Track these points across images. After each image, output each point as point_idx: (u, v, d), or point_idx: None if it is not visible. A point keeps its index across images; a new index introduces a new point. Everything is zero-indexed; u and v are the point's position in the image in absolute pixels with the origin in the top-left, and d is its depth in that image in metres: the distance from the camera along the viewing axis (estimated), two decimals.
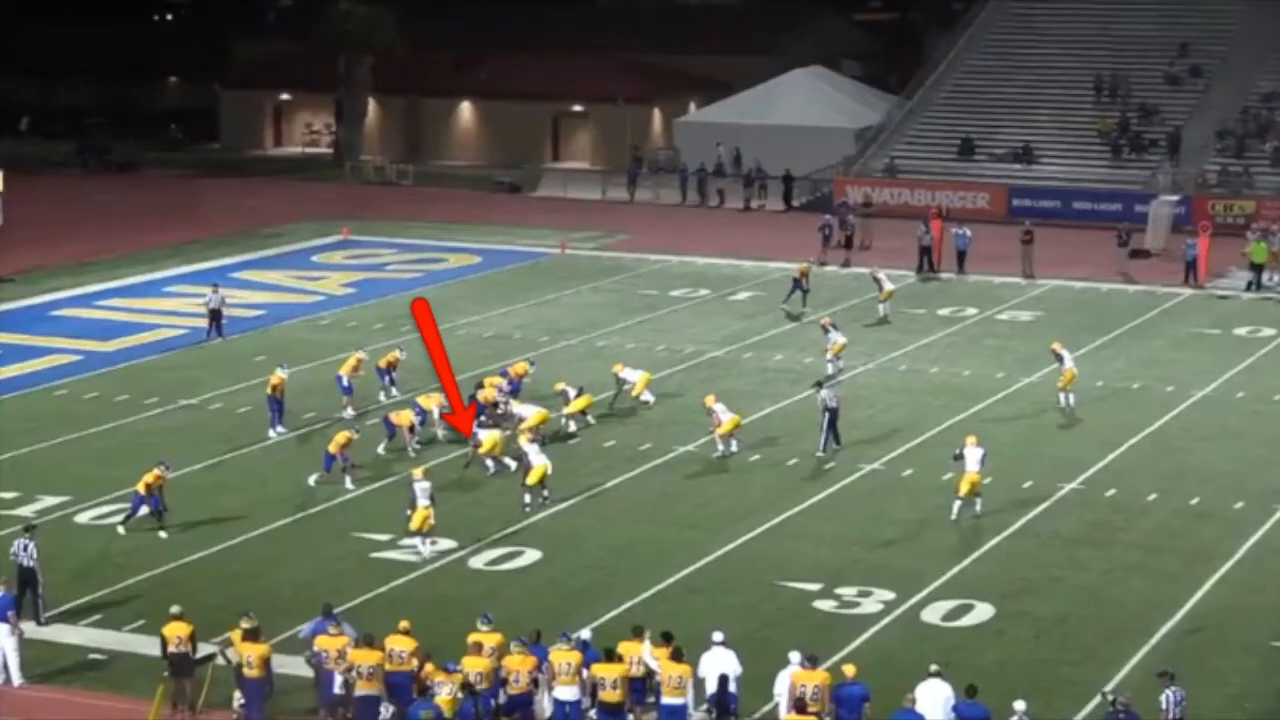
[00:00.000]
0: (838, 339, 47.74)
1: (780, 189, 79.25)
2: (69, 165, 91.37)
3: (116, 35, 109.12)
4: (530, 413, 41.03)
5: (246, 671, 26.86)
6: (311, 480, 37.94)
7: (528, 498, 36.52)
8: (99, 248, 67.32)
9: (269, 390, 42.34)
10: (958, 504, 36.39)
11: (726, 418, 40.72)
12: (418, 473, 35.48)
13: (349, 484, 38.11)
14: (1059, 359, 44.80)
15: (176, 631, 27.47)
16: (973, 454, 36.55)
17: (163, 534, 34.88)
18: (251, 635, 27.17)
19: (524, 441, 37.58)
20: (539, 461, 36.80)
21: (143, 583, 32.85)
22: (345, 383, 43.73)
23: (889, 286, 54.99)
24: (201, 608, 29.50)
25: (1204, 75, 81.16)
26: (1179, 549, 35.01)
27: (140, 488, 35.14)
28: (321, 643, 27.00)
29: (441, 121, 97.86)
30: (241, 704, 27.00)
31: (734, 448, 40.72)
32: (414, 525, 34.43)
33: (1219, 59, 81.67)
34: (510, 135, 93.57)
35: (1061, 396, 44.35)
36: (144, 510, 35.36)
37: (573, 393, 43.02)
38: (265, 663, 26.86)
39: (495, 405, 42.17)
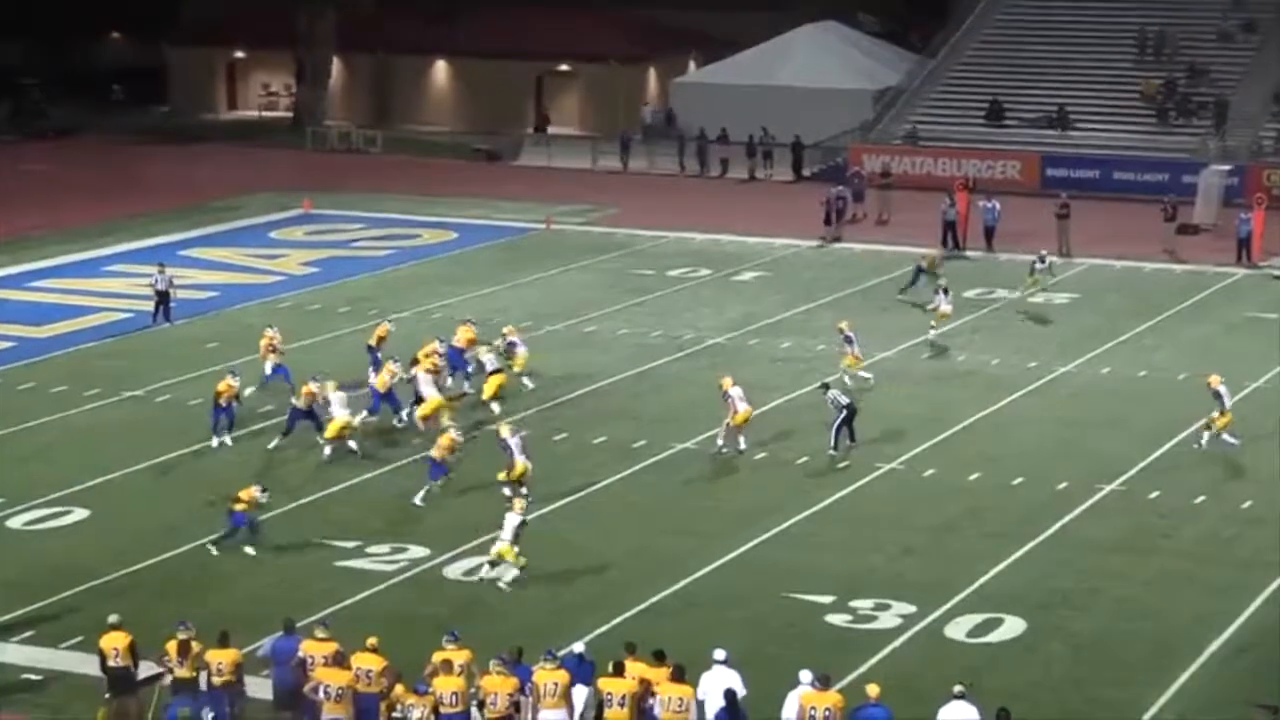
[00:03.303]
0: (851, 351, 46.02)
1: (789, 157, 79.32)
2: (1, 132, 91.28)
3: None
4: (428, 395, 41.90)
5: (216, 680, 27.08)
6: (417, 499, 37.40)
7: (507, 491, 36.35)
8: (32, 223, 67.35)
9: (215, 396, 41.65)
10: (1206, 435, 40.39)
11: (743, 407, 40.73)
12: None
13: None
14: (1218, 398, 41.03)
15: (114, 643, 27.49)
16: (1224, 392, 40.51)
17: (250, 550, 34.54)
18: (221, 640, 27.45)
19: (506, 434, 37.55)
20: (520, 460, 36.89)
21: (83, 595, 32.83)
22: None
23: (946, 308, 51.88)
24: (149, 623, 29.49)
25: (1259, 31, 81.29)
26: (1230, 558, 35.10)
27: (237, 506, 34.63)
28: (309, 647, 27.13)
29: (413, 82, 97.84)
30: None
31: (742, 445, 40.77)
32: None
33: (1277, 13, 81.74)
34: (490, 97, 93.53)
35: (1207, 436, 40.86)
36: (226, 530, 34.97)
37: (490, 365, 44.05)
38: (237, 668, 27.18)
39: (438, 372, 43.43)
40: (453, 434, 37.75)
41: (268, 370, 44.45)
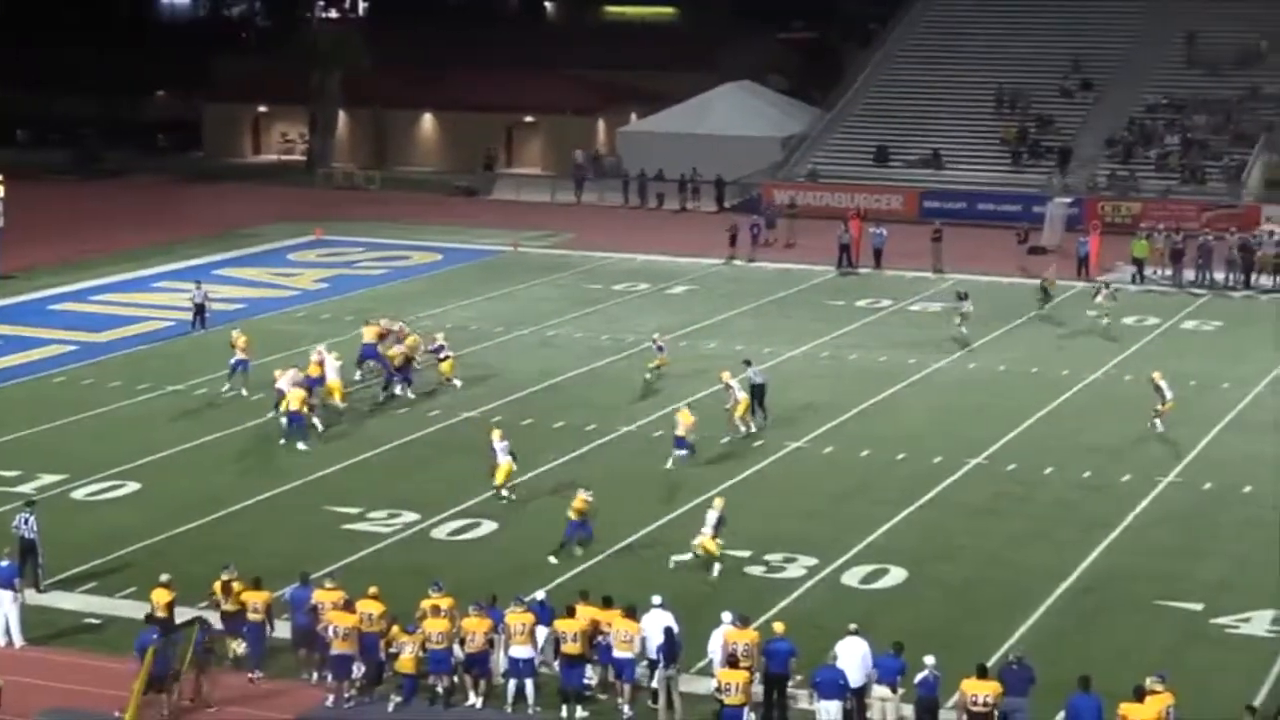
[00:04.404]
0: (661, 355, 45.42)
1: (713, 192, 79.29)
2: (65, 172, 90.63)
3: (109, 53, 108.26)
4: (331, 379, 42.20)
5: (252, 616, 27.31)
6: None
7: (505, 492, 35.92)
8: (92, 248, 66.86)
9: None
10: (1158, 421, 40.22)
11: (742, 396, 40.43)
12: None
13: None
14: (1158, 390, 40.74)
15: (159, 598, 27.52)
16: (1165, 386, 40.28)
17: (552, 559, 32.30)
18: (255, 583, 27.64)
19: (495, 439, 36.44)
20: (504, 461, 35.96)
21: (134, 553, 32.70)
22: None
23: (967, 308, 51.17)
24: (187, 576, 29.40)
25: (1094, 89, 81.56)
26: (1072, 518, 35.22)
27: (571, 514, 32.72)
28: (320, 595, 27.13)
29: (405, 131, 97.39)
30: (244, 649, 27.45)
31: (741, 429, 40.16)
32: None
33: (1108, 74, 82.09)
34: (468, 143, 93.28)
35: (1158, 423, 40.65)
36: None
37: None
38: (268, 608, 27.39)
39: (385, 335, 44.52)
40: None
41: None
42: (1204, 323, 54.34)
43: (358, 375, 44.74)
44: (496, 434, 36.64)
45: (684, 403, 41.42)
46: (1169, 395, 40.67)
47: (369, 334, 45.20)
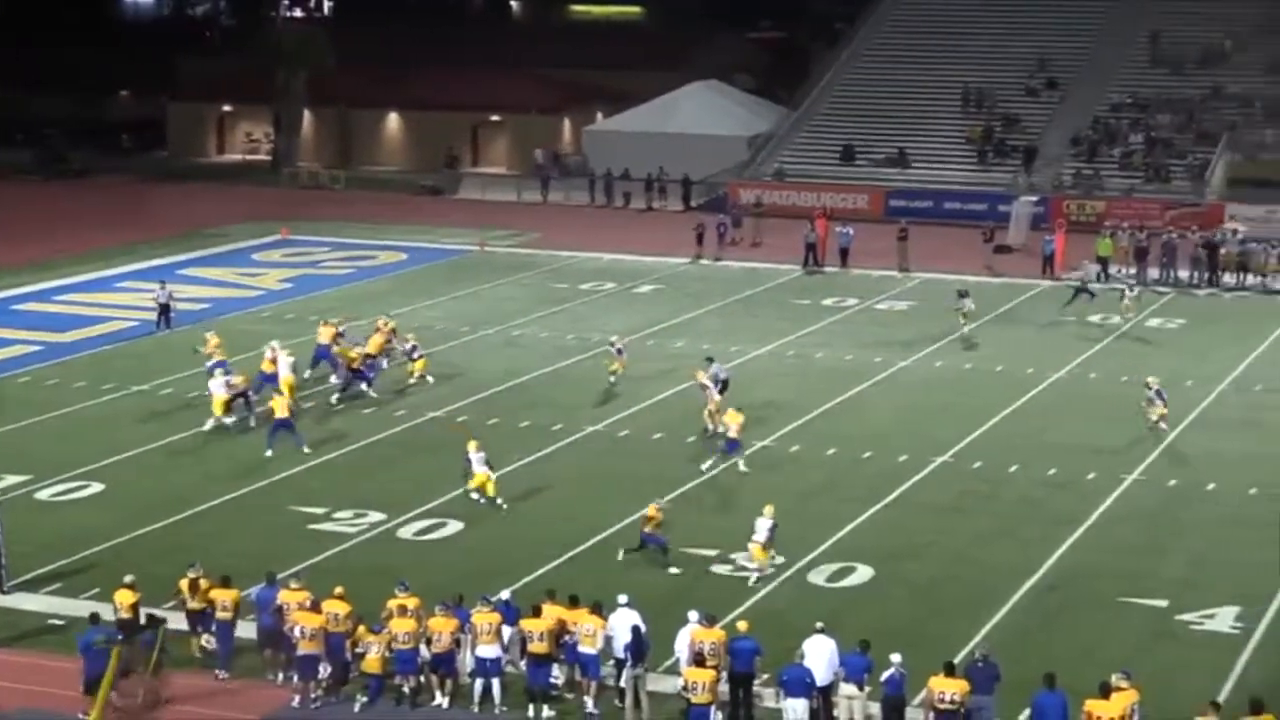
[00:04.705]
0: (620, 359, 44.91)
1: (680, 191, 79.31)
2: (29, 172, 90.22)
3: (72, 53, 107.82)
4: (284, 375, 42.38)
5: (220, 614, 27.35)
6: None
7: (474, 494, 35.62)
8: (57, 248, 66.57)
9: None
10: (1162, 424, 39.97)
11: (717, 396, 40.38)
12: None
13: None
14: (1160, 396, 40.39)
15: (123, 599, 27.44)
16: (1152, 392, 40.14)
17: (674, 570, 31.61)
18: (224, 582, 27.66)
19: (470, 450, 36.08)
20: (480, 470, 35.65)
21: (99, 554, 32.57)
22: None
23: (969, 306, 51.40)
24: (152, 577, 29.30)
25: (1059, 88, 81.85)
26: (1038, 516, 35.30)
27: (647, 527, 32.09)
28: (286, 596, 27.09)
29: (370, 131, 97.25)
30: (212, 645, 27.52)
31: (719, 428, 39.89)
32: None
33: (1073, 73, 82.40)
34: (433, 143, 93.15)
35: (1162, 425, 40.31)
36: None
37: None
38: (236, 605, 27.42)
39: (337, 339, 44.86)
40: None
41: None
42: (1168, 321, 54.53)
43: (306, 375, 44.68)
44: (473, 445, 36.18)
45: (696, 403, 41.33)
46: (1161, 402, 40.23)
47: (324, 334, 45.24)
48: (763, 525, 31.54)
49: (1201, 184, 73.34)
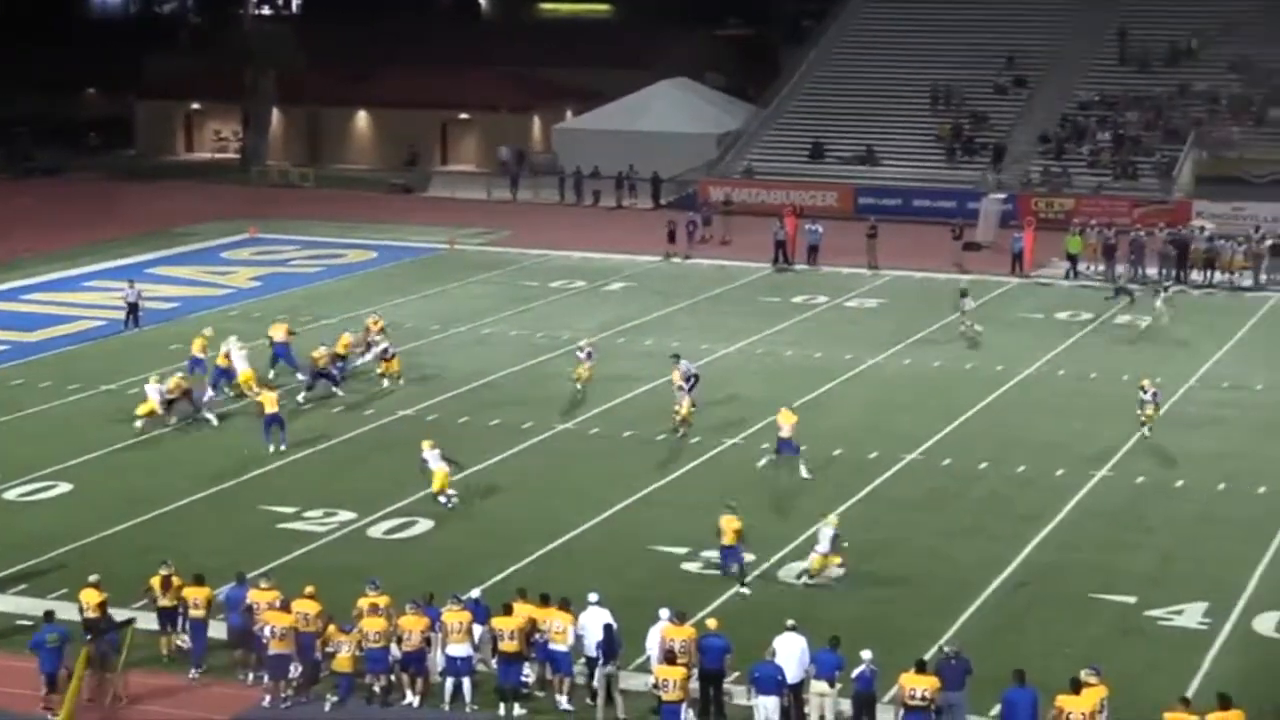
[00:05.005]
0: (587, 364, 43.99)
1: (649, 189, 79.33)
2: None
3: (39, 52, 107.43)
4: (241, 369, 42.79)
5: (194, 612, 27.35)
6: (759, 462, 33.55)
7: (441, 499, 35.56)
8: (23, 246, 66.33)
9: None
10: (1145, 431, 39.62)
11: (687, 401, 40.20)
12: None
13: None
14: (1154, 398, 40.20)
15: (89, 599, 27.33)
16: (1146, 396, 39.75)
17: (745, 590, 30.86)
18: (197, 580, 27.68)
19: (425, 449, 35.94)
20: (437, 467, 35.62)
21: (67, 555, 32.44)
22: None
23: (970, 305, 51.41)
24: (121, 577, 29.25)
25: (1028, 85, 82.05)
26: (1007, 512, 35.40)
27: (728, 539, 31.15)
28: (256, 595, 27.03)
29: (339, 129, 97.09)
30: (187, 644, 27.55)
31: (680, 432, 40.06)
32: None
33: (1041, 71, 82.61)
34: (402, 141, 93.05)
35: (1146, 430, 40.09)
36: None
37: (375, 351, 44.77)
38: (209, 603, 27.41)
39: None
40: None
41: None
42: (1136, 318, 54.67)
43: (271, 375, 44.60)
44: (427, 444, 36.10)
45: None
46: (1151, 402, 39.98)
47: (278, 333, 45.26)
48: (825, 534, 31.03)
49: (1169, 181, 73.58)
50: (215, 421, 41.20)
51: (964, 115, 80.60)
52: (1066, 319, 53.97)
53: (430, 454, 35.74)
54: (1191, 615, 29.75)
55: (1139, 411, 40.21)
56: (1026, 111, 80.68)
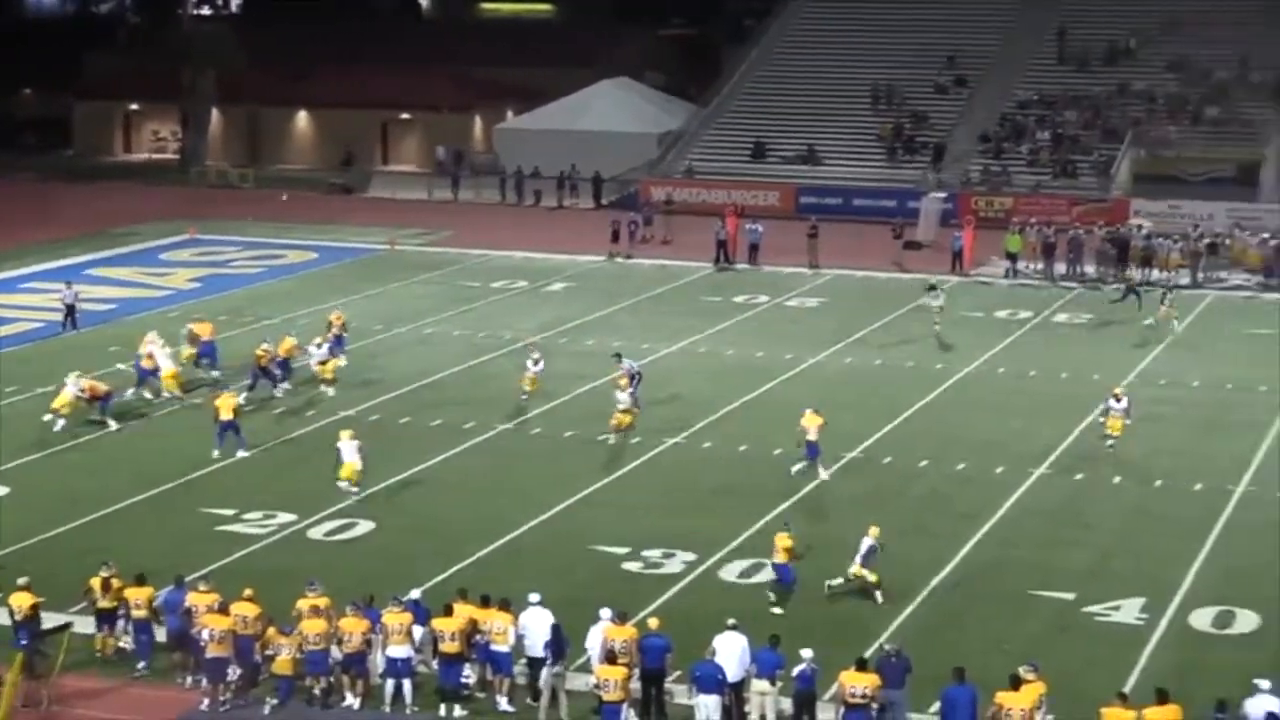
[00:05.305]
0: (534, 372, 43.23)
1: (591, 189, 79.35)
2: None
3: None
4: (165, 368, 42.91)
5: (136, 613, 27.27)
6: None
7: (343, 483, 35.73)
8: None
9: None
10: (1110, 442, 38.75)
11: (624, 406, 39.97)
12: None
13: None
14: (1123, 413, 39.24)
15: (18, 602, 27.11)
16: (1117, 405, 38.89)
17: (777, 610, 29.94)
18: (138, 580, 27.56)
19: (345, 439, 36.08)
20: (349, 459, 35.69)
21: (4, 558, 32.08)
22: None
23: (937, 304, 51.58)
24: (60, 580, 29.09)
25: (968, 85, 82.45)
26: (947, 510, 35.57)
27: (780, 556, 30.43)
28: (194, 598, 26.94)
29: (279, 129, 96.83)
30: (130, 646, 27.51)
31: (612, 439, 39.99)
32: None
33: (981, 70, 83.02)
34: (342, 141, 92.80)
35: (1110, 440, 39.19)
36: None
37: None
38: (150, 603, 27.31)
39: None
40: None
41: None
42: (1075, 315, 55.07)
43: (215, 374, 44.51)
44: (347, 434, 36.29)
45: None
46: (1117, 411, 39.28)
47: (203, 331, 45.18)
48: (864, 544, 30.36)
49: (1107, 180, 74.09)
50: (114, 426, 40.88)
51: (905, 115, 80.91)
52: (1006, 317, 54.28)
53: (347, 445, 35.82)
54: (1129, 611, 29.98)
55: (1103, 419, 39.52)
56: (967, 111, 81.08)
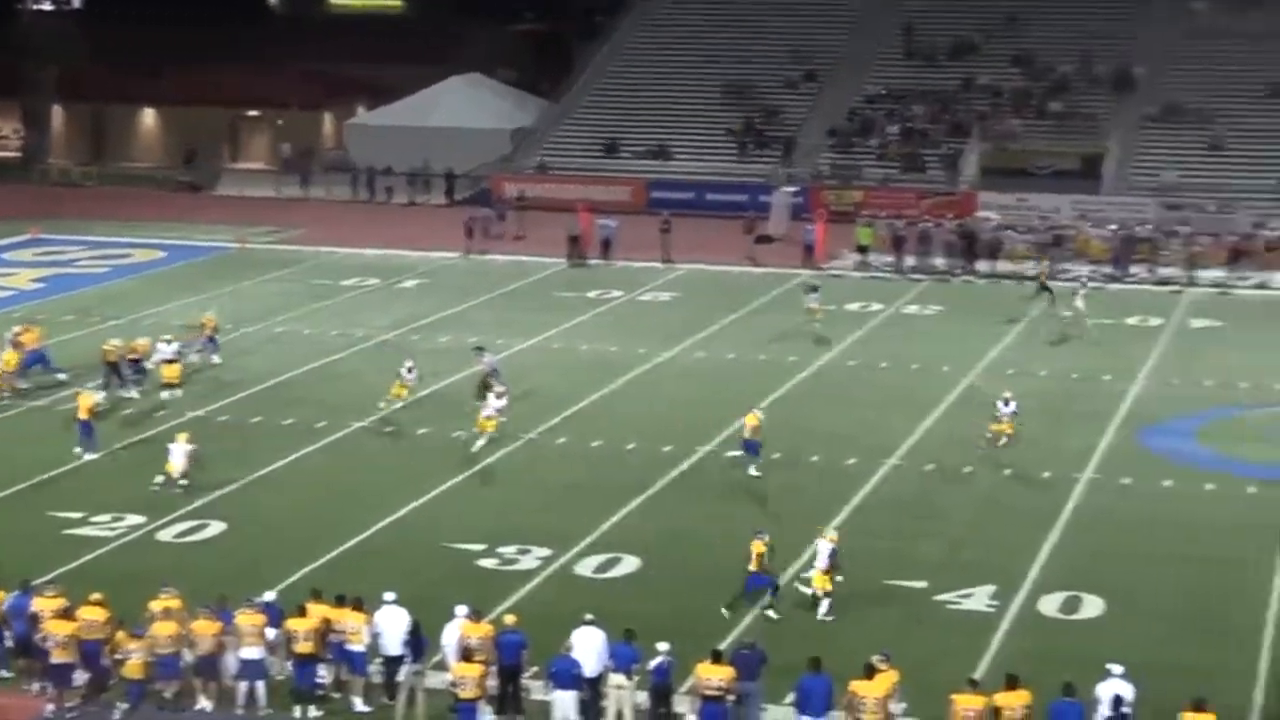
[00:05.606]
0: (404, 382, 42.00)
1: (443, 185, 79.02)
2: None
3: None
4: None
5: None
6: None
7: (160, 476, 35.68)
8: None
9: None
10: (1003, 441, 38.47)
11: (492, 412, 39.07)
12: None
13: None
14: (1008, 409, 38.87)
15: None
16: (1005, 408, 38.59)
17: (771, 614, 29.51)
18: None
19: (181, 442, 35.95)
20: (173, 460, 35.64)
21: None
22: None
23: (815, 304, 51.03)
24: None
25: (818, 80, 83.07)
26: (801, 503, 35.77)
27: (752, 566, 29.75)
28: (40, 604, 26.47)
29: (124, 126, 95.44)
30: None
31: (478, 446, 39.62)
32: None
33: (831, 66, 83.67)
34: (190, 139, 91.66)
35: (985, 439, 38.83)
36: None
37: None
38: None
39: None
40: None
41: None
42: (925, 307, 55.69)
43: (60, 375, 43.91)
44: (183, 436, 36.22)
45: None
46: (1005, 415, 38.90)
47: (29, 339, 44.62)
48: (824, 549, 29.91)
49: (955, 173, 74.97)
50: None
51: (756, 110, 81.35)
52: (858, 310, 54.74)
53: (178, 447, 35.75)
54: (979, 599, 30.38)
55: (992, 424, 39.10)
56: (816, 106, 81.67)
